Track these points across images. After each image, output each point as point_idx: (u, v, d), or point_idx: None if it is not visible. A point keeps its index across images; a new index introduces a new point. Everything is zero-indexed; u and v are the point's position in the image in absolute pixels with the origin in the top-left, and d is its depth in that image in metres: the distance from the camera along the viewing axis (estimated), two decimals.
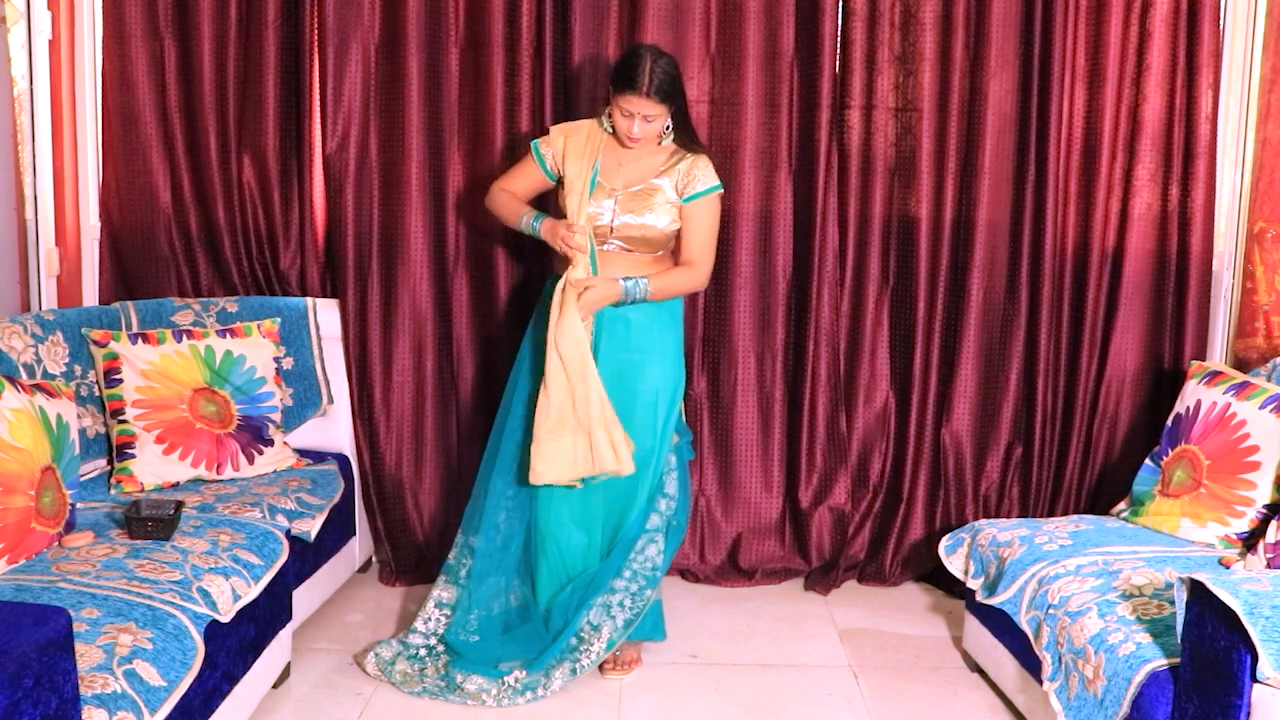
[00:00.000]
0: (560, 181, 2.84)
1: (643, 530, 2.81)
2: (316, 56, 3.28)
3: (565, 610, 2.78)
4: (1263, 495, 2.56)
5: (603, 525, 2.84)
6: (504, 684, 2.70)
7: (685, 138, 2.79)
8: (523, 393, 2.84)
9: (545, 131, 2.97)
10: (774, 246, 3.41)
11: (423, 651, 2.84)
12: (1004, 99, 3.32)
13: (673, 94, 2.67)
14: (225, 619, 2.24)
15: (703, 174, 2.77)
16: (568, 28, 3.27)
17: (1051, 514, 3.47)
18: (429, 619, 2.89)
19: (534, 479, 2.68)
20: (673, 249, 2.87)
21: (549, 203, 3.02)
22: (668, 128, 2.76)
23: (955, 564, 2.89)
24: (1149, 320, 3.39)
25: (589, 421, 2.66)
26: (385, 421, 3.41)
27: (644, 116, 2.67)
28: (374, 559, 3.56)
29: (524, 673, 2.72)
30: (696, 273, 2.81)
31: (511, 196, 2.88)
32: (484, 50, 3.29)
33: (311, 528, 2.81)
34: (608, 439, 2.66)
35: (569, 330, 2.65)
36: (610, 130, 2.78)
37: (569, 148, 2.80)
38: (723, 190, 2.82)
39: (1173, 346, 3.38)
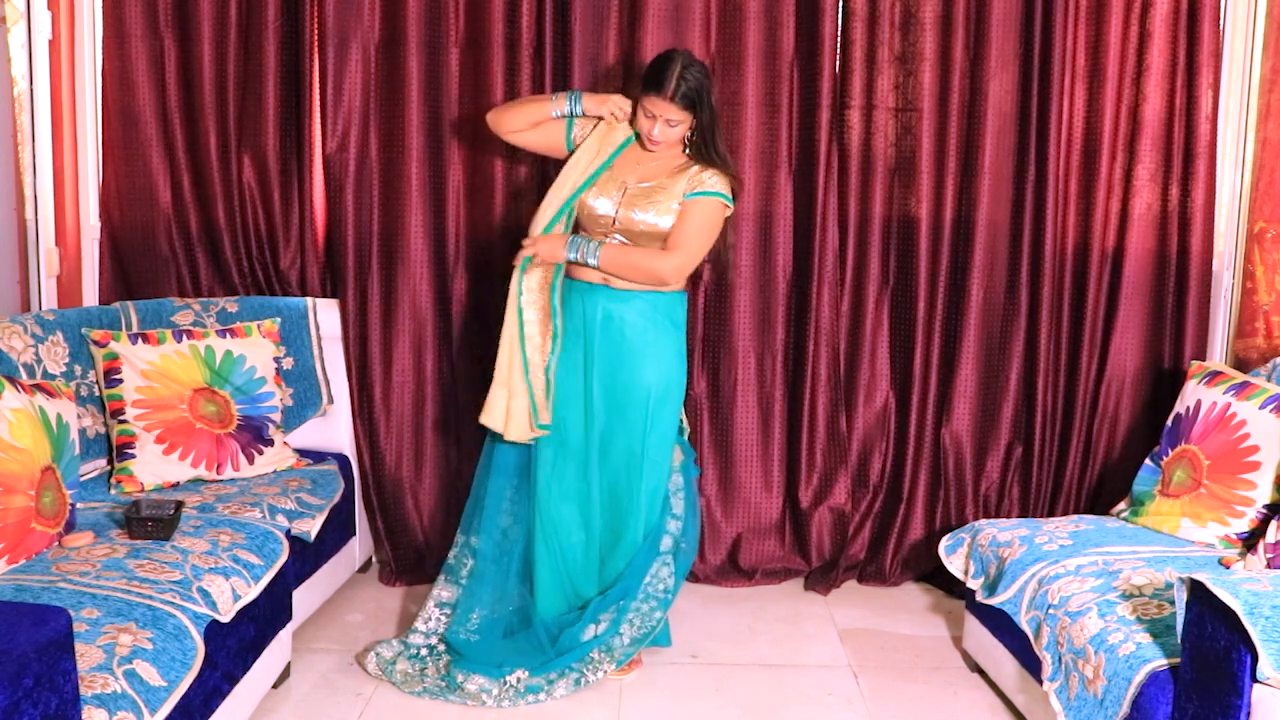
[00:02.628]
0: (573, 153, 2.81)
1: (656, 553, 2.81)
2: (316, 56, 3.28)
3: (575, 635, 2.76)
4: (1263, 495, 2.56)
5: (600, 524, 2.83)
6: (505, 684, 2.69)
7: (710, 151, 2.72)
8: None
9: None
10: (774, 246, 3.40)
11: (424, 651, 2.84)
12: (1004, 99, 3.31)
13: (698, 103, 2.65)
14: (225, 619, 2.25)
15: (712, 180, 2.71)
16: (568, 28, 3.27)
17: (1051, 514, 3.47)
18: (429, 619, 2.90)
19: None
20: None
21: (549, 172, 3.04)
22: (691, 137, 2.74)
23: (955, 564, 2.89)
24: (1149, 320, 3.39)
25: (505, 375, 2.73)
26: (385, 421, 3.41)
27: (666, 120, 2.66)
28: (374, 559, 3.56)
29: (526, 674, 2.71)
30: (667, 260, 2.70)
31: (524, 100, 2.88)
32: (484, 50, 3.29)
33: (311, 528, 2.81)
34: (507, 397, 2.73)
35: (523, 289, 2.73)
36: (636, 134, 2.77)
37: (596, 132, 2.79)
38: (728, 204, 2.74)
39: (1173, 346, 3.38)
